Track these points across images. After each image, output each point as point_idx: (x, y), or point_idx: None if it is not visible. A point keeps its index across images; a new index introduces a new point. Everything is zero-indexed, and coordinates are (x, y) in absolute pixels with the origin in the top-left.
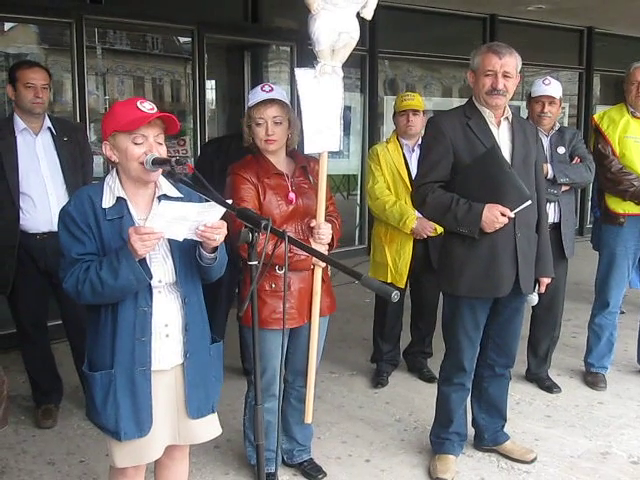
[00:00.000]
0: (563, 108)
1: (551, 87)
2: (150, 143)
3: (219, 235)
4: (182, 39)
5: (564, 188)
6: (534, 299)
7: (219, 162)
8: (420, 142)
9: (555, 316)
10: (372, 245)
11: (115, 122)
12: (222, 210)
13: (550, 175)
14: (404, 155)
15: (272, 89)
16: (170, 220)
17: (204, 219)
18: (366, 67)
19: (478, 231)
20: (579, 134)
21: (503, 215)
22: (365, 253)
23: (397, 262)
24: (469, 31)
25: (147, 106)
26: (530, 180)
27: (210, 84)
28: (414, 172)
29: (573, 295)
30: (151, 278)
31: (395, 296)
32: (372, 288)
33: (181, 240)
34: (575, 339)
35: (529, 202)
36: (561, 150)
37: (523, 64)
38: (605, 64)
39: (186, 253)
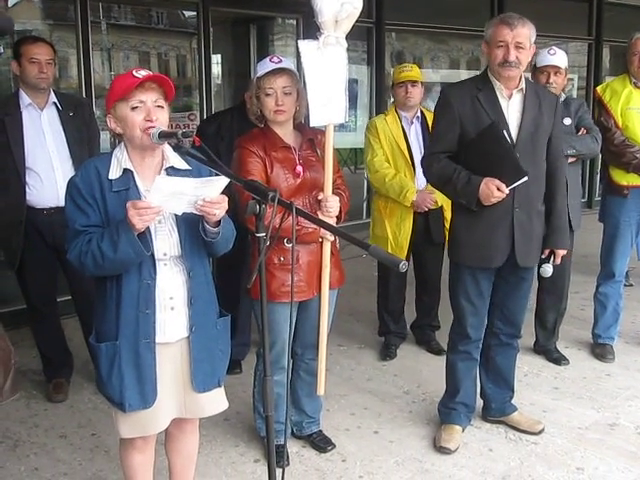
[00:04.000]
0: (571, 79)
1: (557, 57)
2: (148, 107)
3: (219, 210)
4: (187, 13)
5: (570, 160)
6: (548, 270)
7: (224, 144)
8: (419, 114)
9: (561, 288)
10: (372, 219)
11: (114, 93)
12: (222, 185)
13: None
14: (403, 127)
15: (281, 60)
16: (168, 195)
17: (203, 193)
18: (373, 39)
19: (475, 203)
20: (585, 105)
21: (499, 190)
22: (368, 227)
23: (397, 235)
24: (477, 2)
25: (142, 73)
26: (537, 155)
27: (216, 58)
28: (413, 144)
29: (581, 268)
30: (149, 252)
31: (403, 266)
32: (380, 258)
33: (180, 214)
34: (583, 311)
35: (525, 179)
36: (567, 121)
37: None
38: (614, 34)
39: (192, 227)
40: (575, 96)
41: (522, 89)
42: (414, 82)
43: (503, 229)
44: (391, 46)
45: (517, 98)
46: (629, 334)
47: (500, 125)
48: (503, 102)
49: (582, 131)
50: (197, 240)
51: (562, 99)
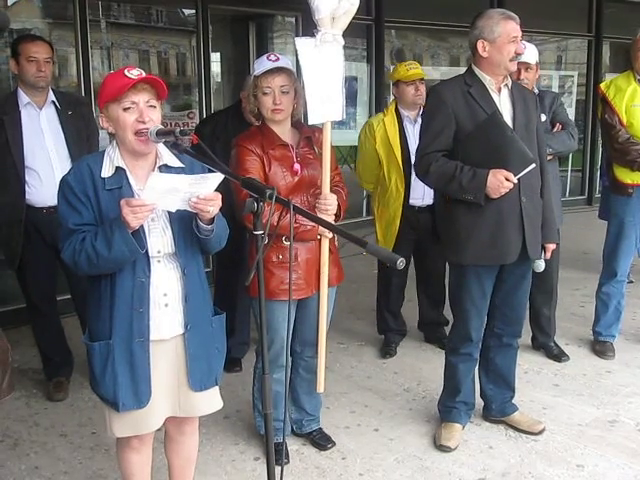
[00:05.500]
0: (571, 76)
1: (526, 52)
2: (141, 109)
3: (212, 207)
4: (186, 11)
5: (547, 157)
6: (541, 265)
7: (220, 144)
8: (422, 112)
9: (551, 285)
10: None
11: (105, 93)
12: (216, 182)
13: None
14: (402, 130)
15: (278, 58)
16: (161, 192)
17: (197, 190)
18: (372, 37)
19: (484, 197)
20: (559, 98)
21: (507, 180)
22: (372, 224)
23: (385, 236)
24: None
25: (134, 72)
26: (533, 146)
27: (215, 56)
28: (412, 145)
29: (581, 265)
30: (144, 249)
31: (400, 263)
32: (378, 255)
33: (174, 211)
34: (584, 308)
35: (533, 166)
36: (542, 118)
37: (532, 32)
38: (615, 31)
39: (186, 224)
40: (575, 93)
41: (507, 84)
42: (422, 79)
43: (513, 222)
44: (391, 43)
45: (505, 92)
46: (629, 331)
47: (500, 115)
48: (494, 96)
49: (557, 127)
50: (191, 237)
51: (535, 94)
